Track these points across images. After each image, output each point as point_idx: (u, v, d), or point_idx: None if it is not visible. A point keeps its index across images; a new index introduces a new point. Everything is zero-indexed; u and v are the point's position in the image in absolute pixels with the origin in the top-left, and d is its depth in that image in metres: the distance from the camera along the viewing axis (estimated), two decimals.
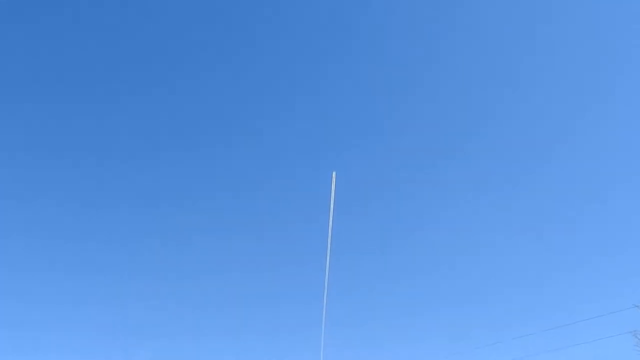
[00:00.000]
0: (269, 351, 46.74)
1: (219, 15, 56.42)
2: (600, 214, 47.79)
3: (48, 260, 53.97)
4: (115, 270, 53.87)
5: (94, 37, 57.19)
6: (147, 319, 51.00)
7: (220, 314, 51.01)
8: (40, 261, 53.97)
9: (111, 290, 52.47)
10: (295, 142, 57.81)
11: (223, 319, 50.45)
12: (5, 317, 48.00)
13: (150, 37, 58.01)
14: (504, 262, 48.60)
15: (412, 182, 55.40)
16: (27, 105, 58.02)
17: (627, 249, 43.25)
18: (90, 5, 55.68)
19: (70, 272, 53.14)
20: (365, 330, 46.54)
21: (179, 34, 57.75)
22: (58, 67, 58.44)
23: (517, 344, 31.57)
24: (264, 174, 58.10)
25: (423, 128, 56.32)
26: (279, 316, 50.56)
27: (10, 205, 55.82)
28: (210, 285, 52.95)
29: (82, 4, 55.66)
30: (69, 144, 58.82)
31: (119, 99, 59.47)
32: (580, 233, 46.71)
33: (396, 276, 50.18)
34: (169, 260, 55.49)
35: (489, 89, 53.90)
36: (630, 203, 45.89)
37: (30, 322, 49.37)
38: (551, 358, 30.65)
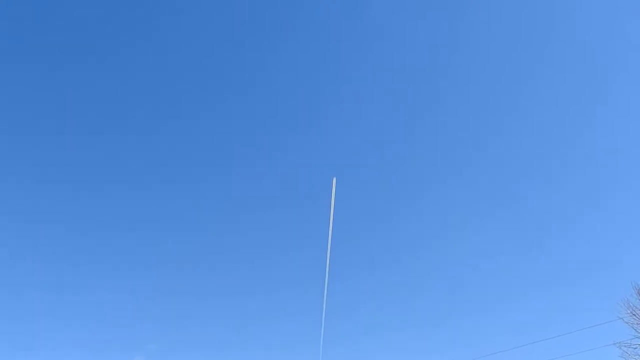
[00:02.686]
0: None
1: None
2: (591, 229, 49.28)
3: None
4: (119, 264, 54.56)
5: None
6: (149, 313, 51.47)
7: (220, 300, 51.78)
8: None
9: (115, 285, 53.11)
10: (295, 161, 59.00)
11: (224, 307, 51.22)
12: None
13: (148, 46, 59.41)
14: (501, 276, 49.72)
15: (415, 199, 56.54)
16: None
17: (613, 262, 44.66)
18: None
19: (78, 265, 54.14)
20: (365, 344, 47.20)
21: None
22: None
23: (505, 357, 32.50)
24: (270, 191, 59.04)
25: (425, 145, 57.73)
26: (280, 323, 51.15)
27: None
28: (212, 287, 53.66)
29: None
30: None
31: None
32: (570, 247, 48.09)
33: (398, 291, 50.92)
34: (173, 258, 56.20)
35: (490, 108, 55.40)
36: (620, 219, 47.41)
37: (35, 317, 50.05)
38: None
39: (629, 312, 27.15)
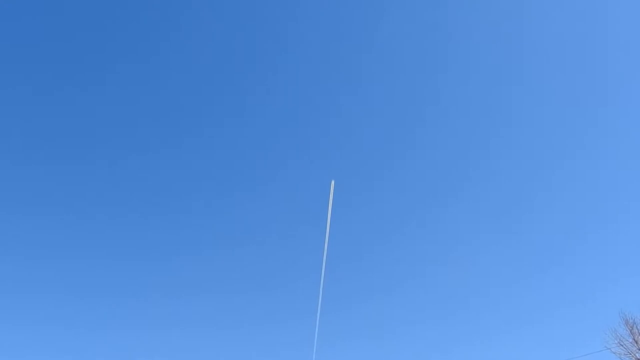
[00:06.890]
0: None
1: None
2: (578, 260, 49.97)
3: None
4: (103, 292, 54.01)
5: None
6: (140, 338, 50.48)
7: (214, 331, 50.91)
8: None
9: (98, 313, 52.30)
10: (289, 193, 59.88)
11: (217, 337, 50.34)
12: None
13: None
14: (491, 308, 49.69)
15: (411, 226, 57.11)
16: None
17: (600, 292, 45.06)
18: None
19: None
20: None
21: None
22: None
23: None
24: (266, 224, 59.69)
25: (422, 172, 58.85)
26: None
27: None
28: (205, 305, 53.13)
29: None
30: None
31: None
32: (557, 278, 48.49)
33: (389, 321, 50.60)
34: (166, 280, 55.74)
35: (482, 135, 56.87)
36: (606, 251, 48.09)
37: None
38: None
39: (616, 342, 27.33)
